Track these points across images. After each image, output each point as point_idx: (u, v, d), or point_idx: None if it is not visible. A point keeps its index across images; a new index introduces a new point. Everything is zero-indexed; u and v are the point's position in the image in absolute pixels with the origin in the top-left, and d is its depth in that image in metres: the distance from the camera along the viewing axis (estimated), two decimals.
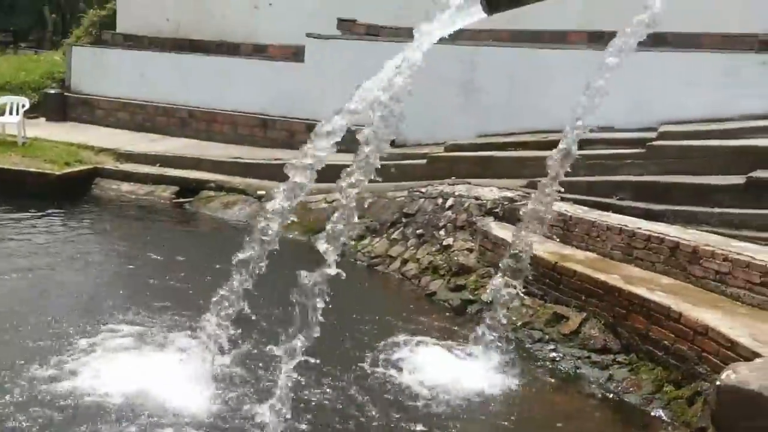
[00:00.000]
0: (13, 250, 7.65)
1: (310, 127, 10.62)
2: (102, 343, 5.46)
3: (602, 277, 5.99)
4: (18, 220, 8.72)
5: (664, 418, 5.01)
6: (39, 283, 6.74)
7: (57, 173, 10.06)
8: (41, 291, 6.57)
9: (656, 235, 6.22)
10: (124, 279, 7.16)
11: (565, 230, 7.01)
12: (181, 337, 5.64)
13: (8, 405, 4.47)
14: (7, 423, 4.28)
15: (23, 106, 11.45)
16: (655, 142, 8.09)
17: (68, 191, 9.92)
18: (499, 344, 5.87)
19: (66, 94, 13.89)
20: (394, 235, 8.48)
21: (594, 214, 6.99)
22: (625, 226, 6.51)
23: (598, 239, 6.68)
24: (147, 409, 4.56)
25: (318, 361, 4.54)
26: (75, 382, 4.82)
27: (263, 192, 9.82)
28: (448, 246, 7.77)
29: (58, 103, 13.74)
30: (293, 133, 11.45)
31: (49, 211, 9.16)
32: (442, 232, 8.00)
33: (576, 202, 7.41)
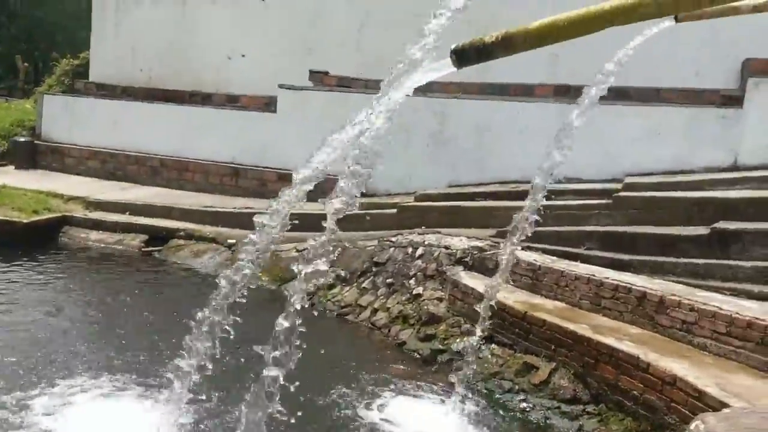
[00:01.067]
0: None
1: (281, 176, 10.84)
2: (64, 396, 5.31)
3: (571, 326, 6.02)
4: None
5: None
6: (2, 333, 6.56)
7: (24, 221, 9.89)
8: (3, 341, 6.38)
9: (624, 284, 6.29)
10: (91, 328, 6.99)
11: (535, 279, 7.06)
12: (146, 388, 5.50)
13: None
14: None
15: None
16: (621, 193, 8.25)
17: (36, 239, 9.75)
18: (470, 395, 5.83)
19: (36, 141, 13.79)
20: (365, 284, 8.44)
21: (562, 264, 7.05)
22: (593, 275, 6.57)
23: (567, 288, 6.73)
24: None
25: (285, 410, 4.44)
26: None
27: (233, 240, 9.76)
28: (418, 295, 7.75)
29: (28, 151, 13.62)
30: (264, 182, 11.48)
31: (17, 260, 8.97)
32: (412, 281, 8.00)
33: (545, 251, 7.49)
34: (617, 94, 8.75)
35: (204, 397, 5.11)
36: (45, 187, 11.53)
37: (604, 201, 8.26)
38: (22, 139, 13.77)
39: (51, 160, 13.58)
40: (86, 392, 5.42)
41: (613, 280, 6.41)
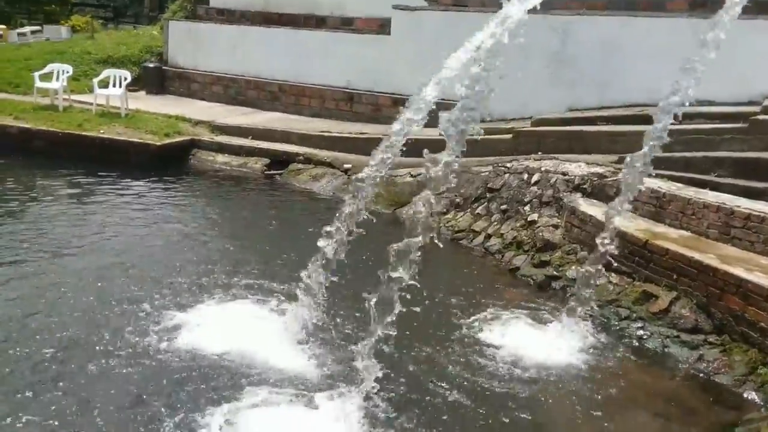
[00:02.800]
0: (126, 215, 8.14)
1: (395, 102, 10.85)
2: (202, 300, 5.77)
3: (696, 255, 5.79)
4: (124, 187, 9.25)
5: (757, 400, 4.84)
6: (146, 246, 7.15)
7: (158, 143, 10.56)
8: (141, 254, 6.96)
9: (756, 213, 5.94)
10: (223, 243, 7.48)
11: (658, 207, 6.79)
12: (275, 298, 5.86)
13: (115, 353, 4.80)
14: (116, 371, 4.61)
15: (125, 79, 12.04)
16: (758, 117, 7.66)
17: (168, 161, 10.41)
18: (585, 321, 5.81)
19: (164, 67, 14.50)
20: (478, 210, 8.45)
21: (690, 191, 6.73)
22: (723, 204, 6.24)
23: (693, 217, 6.44)
24: (245, 363, 4.79)
25: (403, 332, 4.61)
26: (180, 335, 5.13)
27: (350, 165, 9.99)
28: (533, 221, 7.68)
29: (157, 77, 14.37)
30: (379, 107, 11.55)
31: (152, 180, 9.65)
32: (527, 208, 7.92)
33: (671, 178, 7.16)
34: (757, 7, 8.00)
35: (326, 306, 5.38)
36: (173, 112, 12.18)
37: (738, 125, 7.72)
38: (151, 65, 14.52)
39: (178, 85, 14.27)
40: (217, 296, 5.87)
41: (745, 208, 6.06)
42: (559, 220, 7.51)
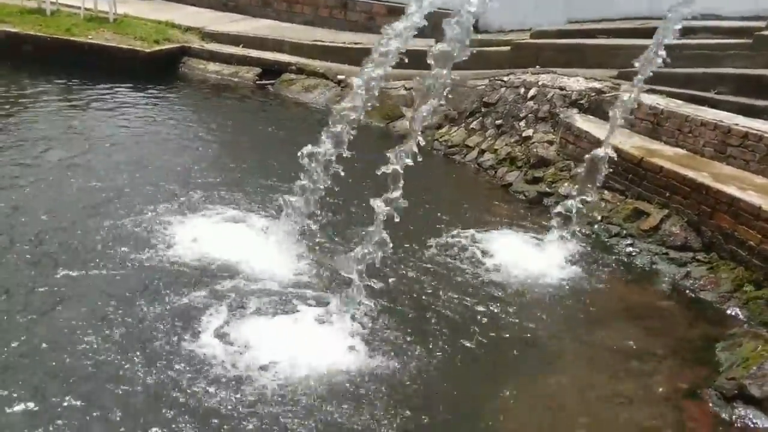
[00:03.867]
0: (114, 123, 7.99)
1: (390, 10, 10.49)
2: (193, 207, 5.73)
3: (690, 173, 5.76)
4: (113, 95, 9.04)
5: (741, 316, 4.93)
6: (136, 154, 7.04)
7: (147, 50, 10.23)
8: (138, 159, 6.86)
9: (754, 132, 5.87)
10: (216, 153, 7.39)
11: (655, 124, 6.71)
12: (268, 208, 5.84)
13: (110, 266, 4.81)
14: (119, 282, 4.63)
15: None
16: (763, 32, 7.45)
17: (158, 69, 10.13)
18: (575, 236, 5.84)
19: None
20: (473, 125, 8.34)
21: (688, 108, 6.63)
22: (721, 121, 6.15)
23: (690, 135, 6.36)
24: (238, 271, 4.82)
25: (393, 243, 4.60)
26: (174, 247, 5.09)
27: (343, 76, 9.77)
28: (528, 137, 7.60)
29: None
30: (373, 15, 11.19)
31: (141, 88, 9.43)
32: (522, 123, 7.81)
33: (670, 95, 7.04)
34: None
35: (317, 217, 5.38)
36: (163, 17, 11.77)
37: (742, 41, 7.51)
38: None
39: None
40: (208, 204, 5.79)
41: (743, 126, 5.99)
42: (554, 136, 7.43)
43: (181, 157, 7.13)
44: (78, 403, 3.43)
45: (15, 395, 3.44)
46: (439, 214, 6.30)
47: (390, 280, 4.96)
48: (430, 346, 4.24)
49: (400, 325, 4.42)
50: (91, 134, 7.55)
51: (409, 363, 4.04)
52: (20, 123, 7.65)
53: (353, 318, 4.30)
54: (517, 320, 4.70)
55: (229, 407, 3.51)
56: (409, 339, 4.28)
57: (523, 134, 7.69)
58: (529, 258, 5.60)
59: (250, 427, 3.40)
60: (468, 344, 4.32)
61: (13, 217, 5.30)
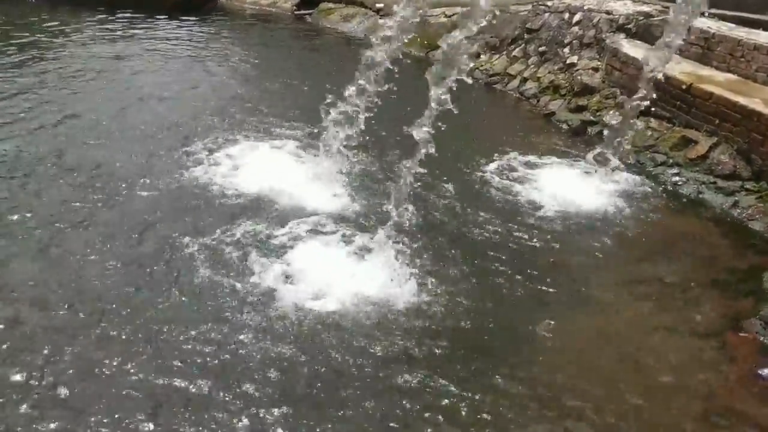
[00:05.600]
0: (152, 57, 8.04)
1: None
2: (236, 139, 5.76)
3: (741, 100, 5.57)
4: (153, 28, 9.07)
5: None
6: (179, 84, 7.08)
7: None
8: (181, 89, 6.91)
9: None
10: (256, 83, 7.40)
11: (706, 49, 6.46)
12: (310, 137, 5.83)
13: (158, 187, 4.92)
14: (162, 203, 4.75)
15: None
16: None
17: (197, 1, 10.06)
18: (619, 166, 5.75)
19: None
20: (515, 53, 8.15)
21: (741, 32, 6.35)
22: None
23: (743, 59, 6.12)
24: (279, 201, 4.84)
25: (434, 171, 4.56)
26: (216, 173, 5.14)
27: (381, 5, 9.58)
28: (572, 64, 7.41)
29: None
30: None
31: (182, 19, 9.41)
32: (566, 50, 7.60)
33: (722, 18, 6.74)
34: None
35: (357, 148, 5.38)
36: None
37: None
38: None
39: None
40: (251, 135, 5.82)
41: None
42: (599, 63, 7.23)
43: (223, 87, 7.17)
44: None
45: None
46: (479, 143, 6.25)
47: (430, 210, 4.98)
48: (476, 275, 4.26)
49: (443, 255, 4.44)
50: (134, 65, 7.61)
51: (456, 292, 4.05)
52: (68, 54, 7.73)
53: (395, 248, 4.33)
54: (560, 250, 4.69)
55: (270, 335, 3.59)
56: (453, 268, 4.30)
57: (567, 61, 7.49)
58: (572, 187, 5.54)
59: (302, 358, 3.46)
60: (514, 273, 4.34)
61: (67, 142, 5.41)
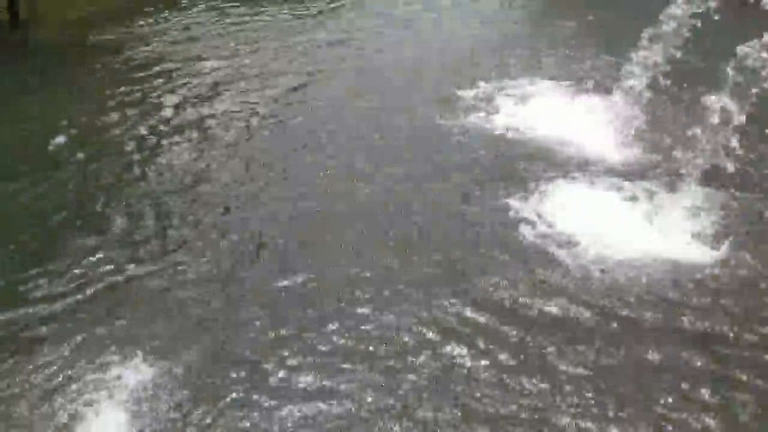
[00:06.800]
0: None
1: None
2: (515, 83, 5.61)
3: None
4: None
5: None
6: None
7: None
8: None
9: None
10: (532, 24, 7.27)
11: None
12: (598, 83, 5.52)
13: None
14: (451, 137, 4.82)
15: None
16: None
17: None
18: None
19: None
20: None
21: None
22: None
23: None
24: (562, 149, 4.67)
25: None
26: (495, 118, 5.10)
27: None
28: None
29: None
30: None
31: None
32: None
33: None
34: None
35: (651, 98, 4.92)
36: None
37: None
38: None
39: None
40: (527, 77, 5.69)
41: None
42: None
43: (492, 26, 7.09)
44: None
45: None
46: None
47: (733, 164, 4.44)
48: None
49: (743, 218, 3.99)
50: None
51: None
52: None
53: (691, 207, 4.04)
54: None
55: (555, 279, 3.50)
56: None
57: None
58: None
59: (584, 315, 3.27)
60: None
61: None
